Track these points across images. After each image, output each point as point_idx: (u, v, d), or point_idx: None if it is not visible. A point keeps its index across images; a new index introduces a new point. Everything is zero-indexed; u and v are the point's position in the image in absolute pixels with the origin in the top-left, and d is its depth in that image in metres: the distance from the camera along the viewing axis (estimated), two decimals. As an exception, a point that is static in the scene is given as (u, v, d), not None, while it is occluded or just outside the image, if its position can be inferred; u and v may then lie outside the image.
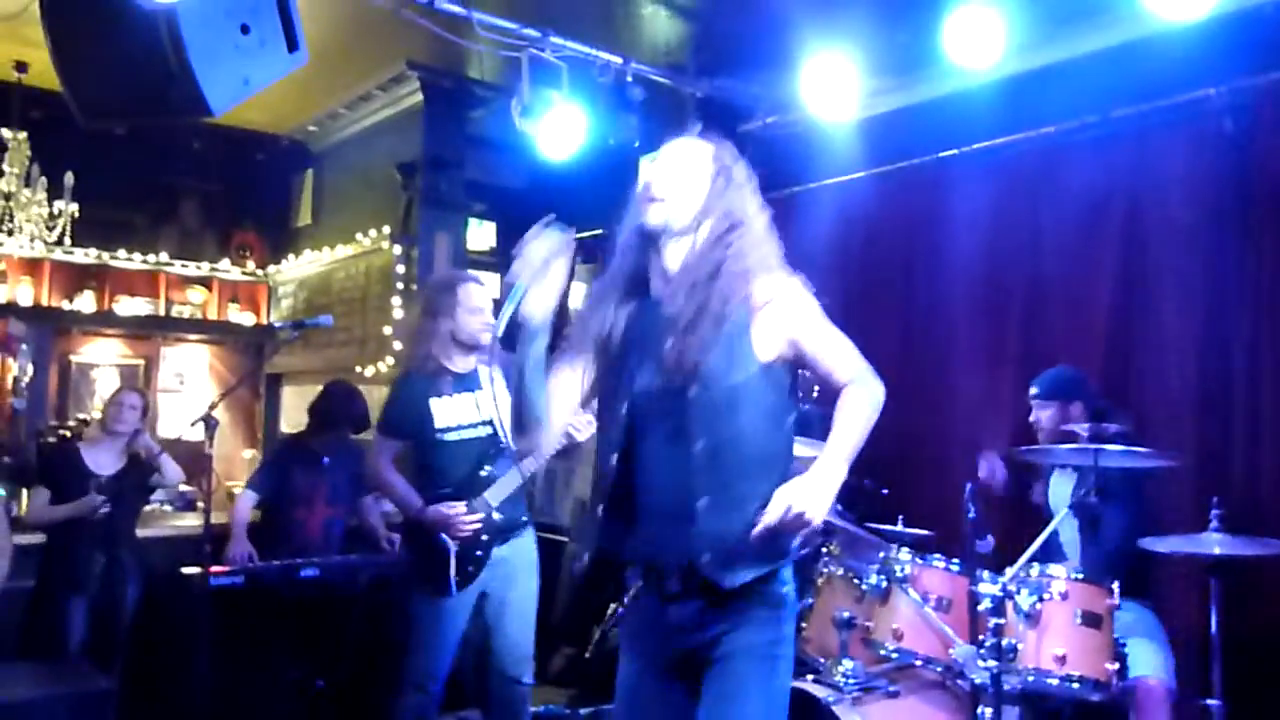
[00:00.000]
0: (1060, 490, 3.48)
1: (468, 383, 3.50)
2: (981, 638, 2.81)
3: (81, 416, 6.88)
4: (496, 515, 3.42)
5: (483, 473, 3.45)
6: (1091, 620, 2.91)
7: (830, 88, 4.60)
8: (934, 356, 4.54)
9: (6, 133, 6.16)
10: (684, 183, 2.06)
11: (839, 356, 2.03)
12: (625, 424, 2.02)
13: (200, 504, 6.17)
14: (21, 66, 6.39)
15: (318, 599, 4.15)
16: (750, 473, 1.95)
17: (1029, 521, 3.47)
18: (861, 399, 1.97)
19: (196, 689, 4.11)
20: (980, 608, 2.83)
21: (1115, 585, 2.89)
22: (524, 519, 3.56)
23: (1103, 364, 3.91)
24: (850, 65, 4.56)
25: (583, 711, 4.62)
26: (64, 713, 3.44)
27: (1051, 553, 3.27)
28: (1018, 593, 2.88)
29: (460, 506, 3.38)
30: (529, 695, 3.57)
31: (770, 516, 1.81)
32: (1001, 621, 2.82)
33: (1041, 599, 2.89)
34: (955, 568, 3.11)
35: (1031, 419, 3.57)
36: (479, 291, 3.50)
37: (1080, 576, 2.95)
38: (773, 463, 2.00)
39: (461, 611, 3.41)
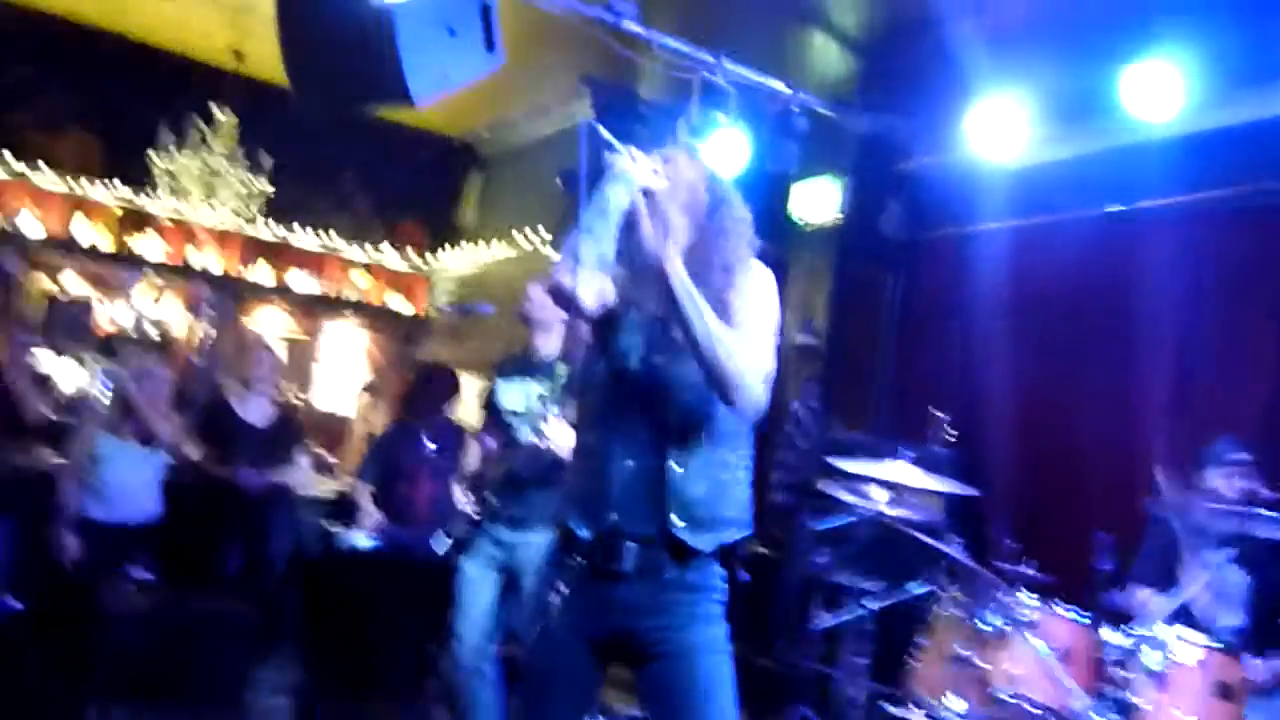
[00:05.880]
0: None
1: (530, 369, 3.65)
2: (1102, 686, 2.75)
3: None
4: (494, 500, 3.55)
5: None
6: (1224, 692, 2.81)
7: (998, 131, 4.59)
8: (1076, 406, 4.44)
9: (218, 113, 6.76)
10: (677, 195, 2.11)
11: (746, 339, 2.00)
12: (606, 396, 2.08)
13: (340, 472, 6.63)
14: (238, 55, 7.01)
15: (444, 568, 4.38)
16: (719, 443, 2.03)
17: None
18: (738, 343, 1.95)
19: (326, 634, 4.42)
20: (1105, 657, 2.77)
21: (1259, 661, 2.78)
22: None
23: (1258, 433, 3.73)
24: (1021, 109, 4.54)
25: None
26: (213, 632, 3.76)
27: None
28: (1146, 652, 2.81)
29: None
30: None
31: None
32: (1127, 676, 2.76)
33: (1172, 662, 2.81)
34: (1083, 619, 3.05)
35: (1219, 483, 3.32)
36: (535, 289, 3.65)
37: (1219, 646, 2.84)
38: (739, 435, 2.07)
39: (478, 580, 3.54)
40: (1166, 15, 4.03)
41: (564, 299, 2.02)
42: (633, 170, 2.07)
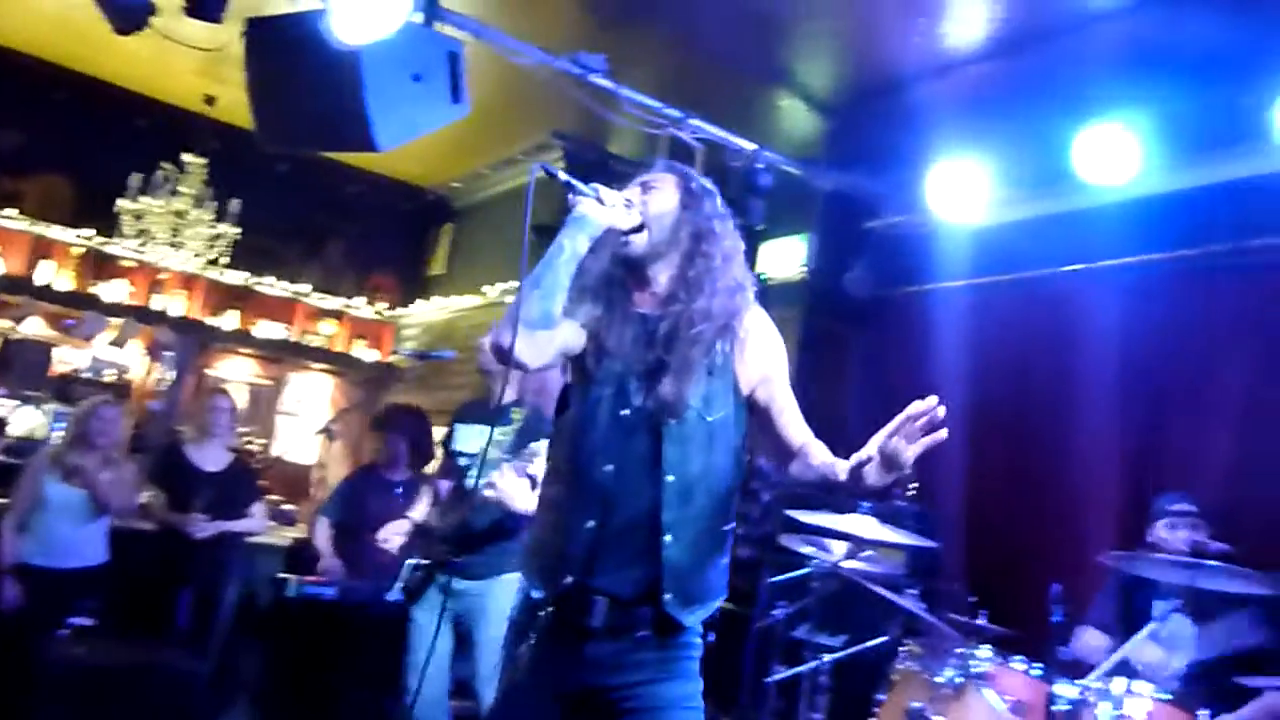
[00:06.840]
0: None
1: (489, 414, 3.54)
2: (1055, 741, 2.73)
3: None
4: (446, 548, 3.43)
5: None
6: (1177, 747, 2.79)
7: (959, 192, 4.69)
8: (1033, 461, 4.49)
9: (188, 157, 6.77)
10: (655, 205, 2.02)
11: (798, 414, 2.04)
12: (573, 449, 1.96)
13: (299, 521, 6.52)
14: (210, 100, 7.05)
15: (399, 619, 4.29)
16: (712, 511, 1.94)
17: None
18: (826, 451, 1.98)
19: (277, 686, 4.31)
20: (1055, 708, 2.75)
21: (1205, 712, 2.76)
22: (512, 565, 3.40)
23: (1219, 491, 3.77)
24: (982, 172, 4.65)
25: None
26: (158, 683, 3.63)
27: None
28: (1096, 704, 2.79)
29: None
30: None
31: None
32: (1078, 729, 2.74)
33: (1123, 715, 2.79)
34: (1036, 671, 3.03)
35: (1165, 535, 3.39)
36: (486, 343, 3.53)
37: (1167, 697, 2.83)
38: (730, 502, 2.00)
39: (430, 631, 3.41)
40: (1122, 82, 4.16)
41: (504, 357, 1.89)
42: (596, 213, 1.95)
